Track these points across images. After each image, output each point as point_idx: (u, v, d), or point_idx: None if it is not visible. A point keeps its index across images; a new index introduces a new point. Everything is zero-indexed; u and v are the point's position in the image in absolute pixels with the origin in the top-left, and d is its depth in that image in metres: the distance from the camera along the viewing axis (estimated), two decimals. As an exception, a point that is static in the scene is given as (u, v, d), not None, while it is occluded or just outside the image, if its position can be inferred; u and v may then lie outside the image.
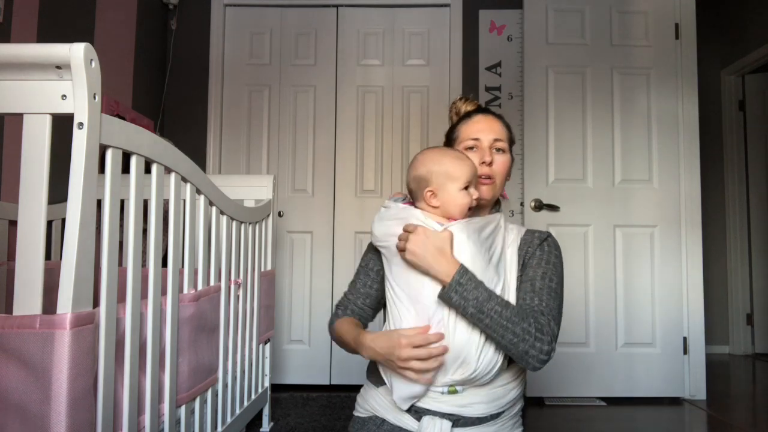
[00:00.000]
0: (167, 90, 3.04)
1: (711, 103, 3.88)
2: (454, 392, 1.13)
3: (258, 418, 2.21)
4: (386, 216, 1.22)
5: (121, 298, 0.99)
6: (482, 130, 1.26)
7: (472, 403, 1.13)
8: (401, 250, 1.12)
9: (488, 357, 1.11)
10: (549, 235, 1.28)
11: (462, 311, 1.07)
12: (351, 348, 1.22)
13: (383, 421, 1.20)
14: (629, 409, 2.64)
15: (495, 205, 1.30)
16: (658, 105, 2.85)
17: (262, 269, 2.13)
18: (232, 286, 1.72)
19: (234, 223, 1.77)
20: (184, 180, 1.30)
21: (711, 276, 3.76)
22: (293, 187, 3.04)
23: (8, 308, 1.61)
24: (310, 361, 2.96)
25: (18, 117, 0.83)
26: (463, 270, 1.08)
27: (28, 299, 0.80)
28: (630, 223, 2.81)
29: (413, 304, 1.13)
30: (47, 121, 0.82)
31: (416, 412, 1.15)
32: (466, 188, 1.16)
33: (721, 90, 3.96)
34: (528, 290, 1.18)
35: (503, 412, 1.17)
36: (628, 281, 2.79)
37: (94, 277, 0.86)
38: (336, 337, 1.28)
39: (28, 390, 0.78)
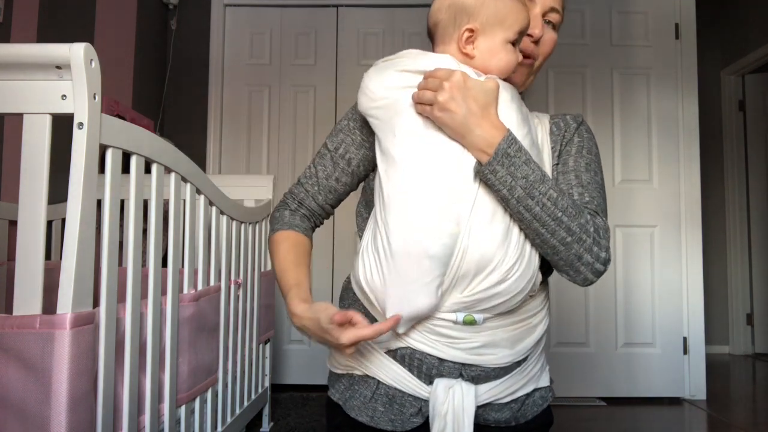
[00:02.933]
0: (167, 90, 3.04)
1: (711, 103, 3.88)
2: (472, 322, 0.83)
3: (258, 418, 2.21)
4: (393, 65, 0.87)
5: (121, 298, 0.99)
6: None
7: (493, 342, 0.85)
8: (426, 104, 0.80)
9: (524, 265, 0.82)
10: (583, 118, 1.03)
11: (506, 193, 0.78)
12: (279, 283, 0.94)
13: (378, 383, 0.91)
14: (629, 409, 2.64)
15: None
16: (658, 105, 2.85)
17: (262, 269, 2.13)
18: (232, 286, 1.72)
19: (234, 223, 1.77)
20: (184, 180, 1.30)
21: (711, 276, 3.76)
22: (293, 187, 3.04)
23: (8, 308, 1.61)
24: (310, 361, 2.96)
25: (18, 117, 0.83)
26: (511, 138, 0.79)
27: (28, 299, 0.80)
28: (630, 223, 2.81)
29: (425, 191, 0.79)
30: (47, 121, 0.82)
31: (425, 373, 0.87)
32: (513, 44, 0.88)
33: (721, 90, 3.96)
34: (574, 183, 0.92)
35: (528, 356, 0.92)
36: (628, 281, 2.79)
37: (94, 277, 0.86)
38: (273, 249, 0.98)
39: (28, 390, 0.78)
